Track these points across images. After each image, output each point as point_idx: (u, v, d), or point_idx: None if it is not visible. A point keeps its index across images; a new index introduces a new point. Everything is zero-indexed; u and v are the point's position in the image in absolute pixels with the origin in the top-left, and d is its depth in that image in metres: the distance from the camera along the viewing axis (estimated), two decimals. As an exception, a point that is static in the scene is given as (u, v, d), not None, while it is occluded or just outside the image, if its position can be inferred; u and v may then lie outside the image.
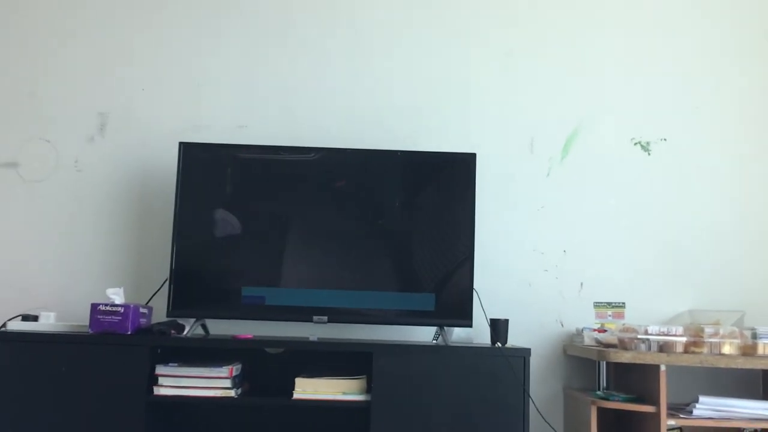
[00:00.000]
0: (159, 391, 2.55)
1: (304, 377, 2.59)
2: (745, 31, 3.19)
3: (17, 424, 2.49)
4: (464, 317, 2.77)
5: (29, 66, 3.14)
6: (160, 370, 2.57)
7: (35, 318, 2.71)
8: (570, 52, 3.18)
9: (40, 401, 2.51)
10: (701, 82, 3.17)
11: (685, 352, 2.59)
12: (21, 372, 2.53)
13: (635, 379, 2.73)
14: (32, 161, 3.08)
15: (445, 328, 2.78)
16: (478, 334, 2.88)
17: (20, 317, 2.71)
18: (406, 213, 2.83)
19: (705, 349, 2.59)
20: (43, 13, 3.17)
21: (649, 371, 2.60)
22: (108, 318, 2.60)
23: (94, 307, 2.61)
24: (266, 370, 2.77)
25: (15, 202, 3.06)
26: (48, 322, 2.70)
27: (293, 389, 2.56)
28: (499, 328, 2.72)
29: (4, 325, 2.67)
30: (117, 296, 2.64)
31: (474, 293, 2.79)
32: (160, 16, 3.18)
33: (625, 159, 3.13)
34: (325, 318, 2.76)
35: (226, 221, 2.80)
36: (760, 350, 2.59)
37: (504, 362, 2.57)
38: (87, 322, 2.63)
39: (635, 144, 3.14)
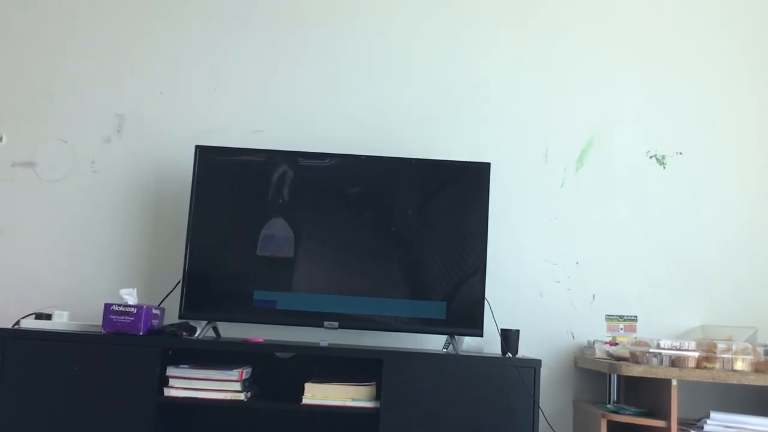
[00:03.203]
0: (169, 392, 2.56)
1: (313, 382, 2.59)
2: (765, 44, 3.18)
3: (29, 422, 2.51)
4: (475, 326, 2.76)
5: (47, 67, 3.17)
6: (170, 371, 2.58)
7: (48, 317, 2.72)
8: (586, 62, 3.18)
9: (52, 399, 2.53)
10: (718, 95, 3.16)
11: (697, 367, 2.58)
12: (33, 370, 2.54)
13: (646, 393, 2.71)
14: (49, 161, 3.11)
15: (455, 337, 2.78)
16: (489, 344, 2.88)
17: (34, 315, 2.73)
18: (419, 221, 2.83)
19: (717, 365, 2.57)
20: (61, 15, 3.21)
21: (661, 386, 2.58)
22: (121, 318, 2.62)
23: (108, 307, 2.62)
24: (276, 374, 2.78)
25: (31, 201, 3.08)
26: (61, 321, 2.72)
27: (302, 394, 2.57)
28: (509, 338, 2.72)
29: (17, 323, 2.68)
30: (130, 297, 2.65)
31: (485, 303, 2.79)
32: (178, 20, 3.20)
33: (640, 172, 3.12)
34: (336, 324, 2.76)
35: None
36: (773, 367, 2.57)
37: (514, 373, 2.57)
38: (100, 322, 2.65)
39: (650, 157, 3.13)
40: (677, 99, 3.16)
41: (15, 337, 2.58)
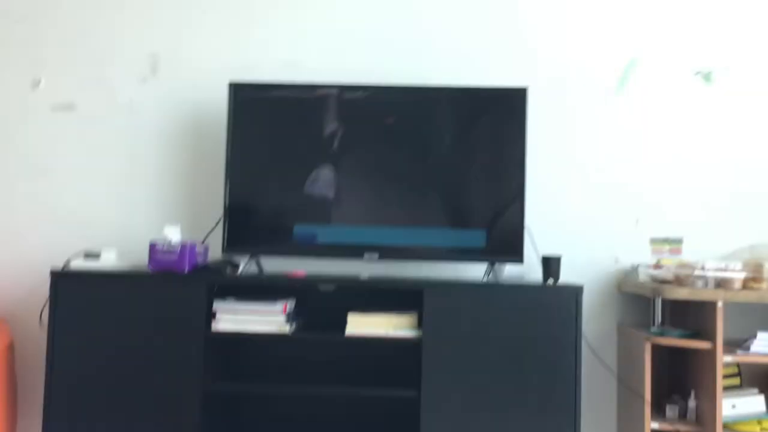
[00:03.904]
0: (217, 326, 2.63)
1: (355, 313, 2.63)
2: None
3: (82, 359, 2.61)
4: (515, 254, 2.75)
5: (79, 9, 3.16)
6: (217, 306, 2.64)
7: (97, 256, 2.79)
8: (628, -22, 3.05)
9: (103, 337, 2.61)
10: (764, 5, 3.00)
11: (744, 288, 2.53)
12: (85, 309, 2.63)
13: (691, 316, 2.69)
14: (88, 103, 3.14)
15: (496, 265, 2.77)
16: (531, 271, 2.87)
17: (83, 254, 2.80)
18: (457, 149, 2.80)
19: (765, 285, 2.52)
20: (92, -47, 3.18)
21: (706, 308, 2.55)
22: (166, 257, 2.67)
23: (153, 246, 2.67)
24: (319, 306, 2.82)
25: (72, 142, 3.12)
26: (110, 259, 2.78)
27: (345, 325, 2.61)
28: (551, 265, 2.70)
29: (68, 262, 2.76)
30: (174, 234, 2.69)
31: (526, 230, 2.76)
32: (207, -47, 3.15)
33: (685, 89, 3.01)
34: (376, 255, 2.78)
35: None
36: (823, 287, 2.51)
37: (556, 299, 2.56)
38: (146, 259, 2.71)
39: (696, 74, 3.01)
40: (721, 11, 3.01)
41: (66, 276, 2.66)
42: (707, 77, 3.01)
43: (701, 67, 3.01)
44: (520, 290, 2.61)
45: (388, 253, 2.78)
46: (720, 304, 2.49)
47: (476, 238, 2.77)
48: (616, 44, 3.03)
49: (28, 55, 3.15)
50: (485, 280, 2.77)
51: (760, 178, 2.97)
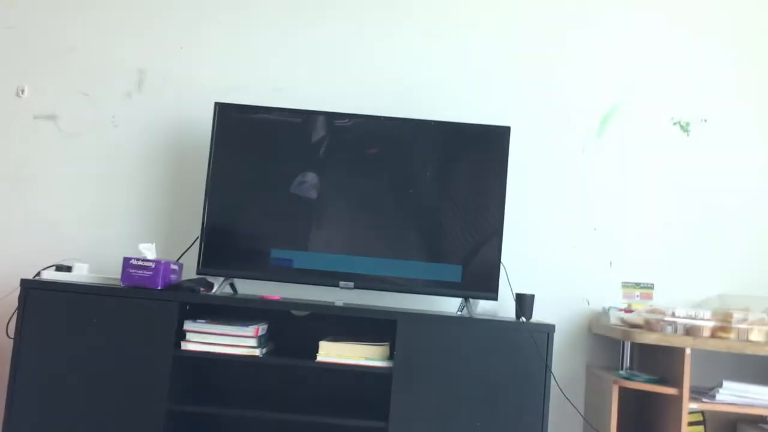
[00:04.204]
0: (186, 346, 2.60)
1: (328, 340, 2.62)
2: (796, 12, 3.11)
3: (48, 371, 2.56)
4: (490, 290, 2.77)
5: (69, 20, 3.17)
6: (188, 325, 2.61)
7: (69, 269, 2.76)
8: (609, 26, 3.12)
9: (71, 350, 2.57)
10: (744, 61, 3.09)
11: (712, 336, 2.57)
12: (54, 320, 2.59)
13: (660, 361, 2.72)
14: (71, 114, 3.12)
15: (470, 300, 2.79)
16: (504, 308, 2.89)
17: (54, 267, 2.77)
18: (438, 183, 2.82)
19: (732, 335, 2.56)
20: (86, -33, 3.19)
21: (674, 354, 2.58)
22: (139, 272, 2.65)
23: (127, 261, 2.65)
24: (291, 332, 2.81)
25: (53, 154, 3.11)
26: (81, 273, 2.76)
27: (317, 352, 2.60)
28: (524, 302, 2.72)
29: (38, 274, 2.72)
30: (149, 251, 2.68)
31: (501, 267, 2.79)
32: (201, -26, 3.18)
33: (663, 139, 3.08)
34: (352, 284, 2.78)
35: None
36: (789, 339, 2.55)
37: (528, 337, 2.58)
38: (119, 275, 2.68)
39: (674, 123, 3.08)
40: (702, 65, 3.10)
41: (35, 287, 2.62)
42: (685, 127, 3.08)
43: (679, 116, 3.09)
44: (492, 326, 2.62)
45: (363, 282, 2.79)
46: (688, 351, 2.53)
47: (452, 272, 2.78)
48: (597, 90, 3.10)
49: (13, 63, 3.14)
50: (459, 314, 2.78)
51: (732, 228, 3.03)
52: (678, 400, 2.53)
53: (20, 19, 3.17)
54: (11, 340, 2.60)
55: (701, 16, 3.12)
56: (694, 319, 2.59)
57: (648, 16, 3.12)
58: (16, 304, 2.61)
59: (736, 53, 3.10)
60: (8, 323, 2.78)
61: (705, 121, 3.08)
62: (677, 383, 2.55)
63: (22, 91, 3.13)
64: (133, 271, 2.65)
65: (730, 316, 2.58)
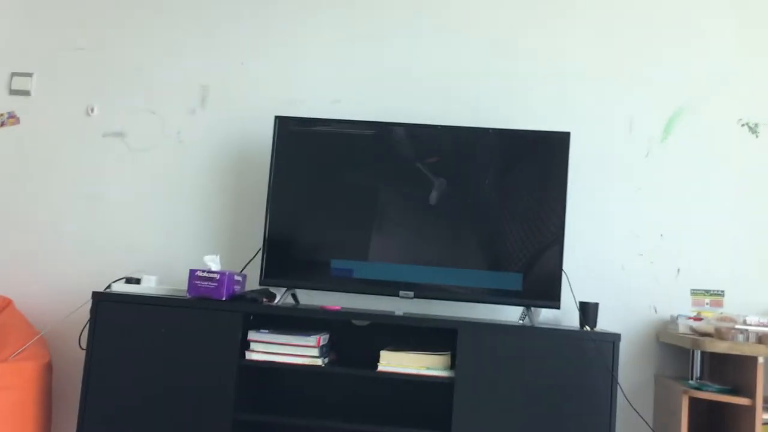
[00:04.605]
0: (250, 356, 2.64)
1: (389, 350, 2.63)
2: None
3: (118, 381, 2.64)
4: (552, 299, 2.73)
5: (135, 40, 3.28)
6: (252, 335, 2.66)
7: (138, 281, 2.85)
8: (674, 26, 3.05)
9: (140, 360, 2.65)
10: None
11: (787, 345, 2.47)
12: (123, 331, 2.67)
13: (731, 370, 2.63)
14: (138, 132, 3.23)
15: (532, 309, 2.75)
16: (567, 317, 2.84)
17: (124, 279, 2.86)
18: (497, 191, 2.80)
19: (808, 343, 2.46)
20: (151, -12, 3.30)
21: (746, 363, 2.49)
22: (205, 284, 2.71)
23: (192, 272, 2.72)
24: (352, 341, 2.82)
25: (121, 169, 3.21)
26: (149, 285, 2.84)
27: (378, 361, 2.61)
28: (588, 311, 2.67)
29: (109, 286, 2.82)
30: (213, 263, 2.74)
31: (563, 275, 2.75)
32: (261, -9, 3.25)
33: (731, 141, 2.98)
34: (412, 293, 2.78)
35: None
36: None
37: (592, 346, 2.53)
38: (185, 287, 2.75)
39: (742, 125, 2.99)
40: (773, 64, 3.00)
41: (107, 299, 2.71)
42: (753, 128, 2.98)
43: (747, 117, 2.99)
44: (555, 335, 2.58)
45: (423, 291, 2.78)
46: (761, 359, 2.44)
47: (513, 280, 2.76)
48: (662, 92, 3.03)
49: (83, 83, 3.27)
50: (521, 322, 2.75)
51: (807, 233, 2.91)
52: (751, 410, 2.44)
53: (88, 41, 3.29)
54: (84, 351, 2.69)
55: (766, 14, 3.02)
56: (767, 326, 2.49)
57: (712, 16, 3.04)
58: (88, 316, 2.71)
59: (807, 50, 2.99)
60: (81, 334, 2.89)
61: (775, 121, 2.98)
62: (750, 393, 2.46)
63: (92, 110, 3.25)
64: (198, 282, 2.71)
65: (806, 323, 2.48)
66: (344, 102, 3.13)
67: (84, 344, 2.71)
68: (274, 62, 3.20)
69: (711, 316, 2.72)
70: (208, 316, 2.66)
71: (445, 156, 2.84)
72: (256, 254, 2.96)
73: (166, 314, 2.67)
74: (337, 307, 2.75)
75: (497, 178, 2.81)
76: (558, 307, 2.73)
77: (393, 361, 2.61)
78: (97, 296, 2.70)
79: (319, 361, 2.63)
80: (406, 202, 2.84)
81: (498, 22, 3.13)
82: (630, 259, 2.97)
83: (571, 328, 2.67)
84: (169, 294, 2.81)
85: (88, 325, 2.69)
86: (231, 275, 2.73)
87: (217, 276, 2.70)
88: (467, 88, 3.10)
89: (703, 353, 2.81)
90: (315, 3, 3.21)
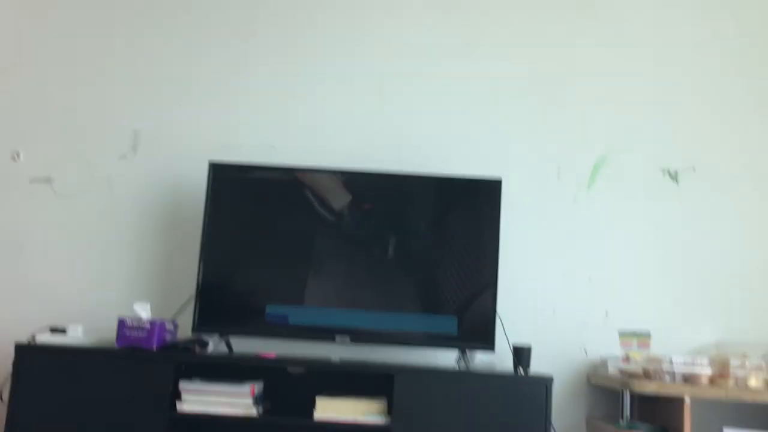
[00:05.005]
0: (182, 407, 2.57)
1: (325, 397, 2.60)
2: (778, 61, 3.18)
3: (42, 435, 2.53)
4: (487, 342, 2.76)
5: (65, 83, 3.22)
6: (183, 385, 2.59)
7: (63, 331, 2.75)
8: (598, 78, 3.18)
9: (66, 413, 2.55)
10: (731, 109, 3.15)
11: (711, 384, 2.56)
12: (48, 383, 2.57)
13: (659, 410, 2.69)
14: (66, 177, 3.15)
15: (467, 352, 2.77)
16: (501, 359, 2.87)
17: (49, 329, 2.75)
18: (431, 236, 2.84)
19: (731, 382, 2.55)
20: (77, 34, 3.25)
21: (674, 403, 2.56)
22: (134, 333, 2.64)
23: (121, 322, 2.64)
24: (288, 389, 2.78)
25: (48, 216, 3.12)
26: (76, 335, 2.74)
27: (314, 409, 2.57)
28: (522, 354, 2.71)
29: (32, 337, 2.71)
30: (144, 311, 2.67)
31: (497, 318, 2.78)
32: (192, 37, 3.24)
33: (653, 187, 3.11)
34: (348, 338, 2.77)
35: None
36: (788, 385, 2.54)
37: (526, 389, 2.56)
38: (114, 335, 2.67)
39: (663, 173, 3.12)
40: (689, 113, 3.15)
41: (30, 351, 2.60)
42: (674, 176, 3.12)
43: (668, 165, 3.12)
44: (491, 379, 2.60)
45: (360, 336, 2.78)
46: (687, 399, 2.51)
47: (448, 324, 2.78)
48: (587, 141, 3.14)
49: (8, 128, 3.18)
50: (457, 367, 2.76)
51: (726, 274, 3.04)
52: (680, 450, 2.50)
53: (13, 84, 3.22)
54: (5, 405, 2.57)
55: (688, 64, 3.18)
56: (693, 366, 2.58)
57: (634, 66, 3.19)
58: (10, 368, 2.59)
59: (723, 102, 3.15)
60: (2, 387, 2.76)
61: (694, 169, 3.12)
62: (678, 433, 2.52)
63: (18, 155, 3.16)
64: (128, 332, 2.64)
65: (728, 363, 2.57)
66: (279, 148, 3.14)
67: (5, 397, 2.59)
68: (207, 107, 3.19)
69: (638, 358, 2.79)
70: (138, 366, 2.58)
71: (379, 202, 2.87)
72: (188, 301, 2.90)
73: (93, 365, 2.58)
74: (273, 354, 2.71)
75: (432, 223, 2.85)
76: (493, 350, 2.76)
77: (329, 408, 2.58)
78: (20, 348, 2.60)
79: (253, 411, 2.58)
80: (342, 247, 2.84)
81: (428, 68, 3.19)
82: (561, 302, 3.04)
83: (506, 372, 2.70)
84: (96, 344, 2.72)
85: (10, 378, 2.57)
86: (162, 324, 2.67)
87: (148, 325, 2.63)
88: (401, 134, 3.15)
89: (632, 394, 2.86)
90: (249, 49, 3.23)
